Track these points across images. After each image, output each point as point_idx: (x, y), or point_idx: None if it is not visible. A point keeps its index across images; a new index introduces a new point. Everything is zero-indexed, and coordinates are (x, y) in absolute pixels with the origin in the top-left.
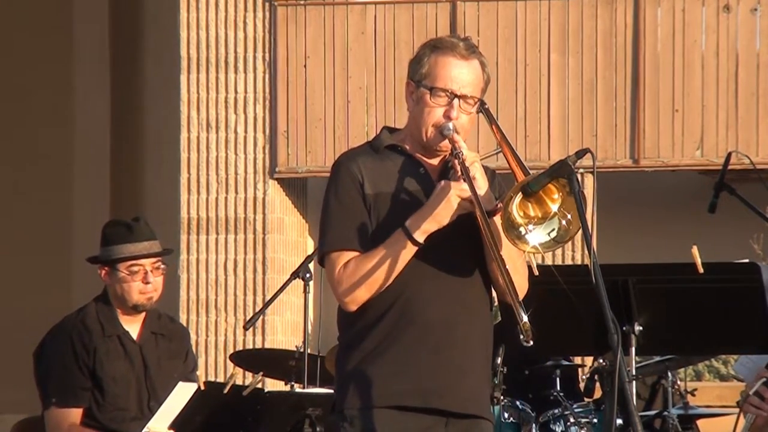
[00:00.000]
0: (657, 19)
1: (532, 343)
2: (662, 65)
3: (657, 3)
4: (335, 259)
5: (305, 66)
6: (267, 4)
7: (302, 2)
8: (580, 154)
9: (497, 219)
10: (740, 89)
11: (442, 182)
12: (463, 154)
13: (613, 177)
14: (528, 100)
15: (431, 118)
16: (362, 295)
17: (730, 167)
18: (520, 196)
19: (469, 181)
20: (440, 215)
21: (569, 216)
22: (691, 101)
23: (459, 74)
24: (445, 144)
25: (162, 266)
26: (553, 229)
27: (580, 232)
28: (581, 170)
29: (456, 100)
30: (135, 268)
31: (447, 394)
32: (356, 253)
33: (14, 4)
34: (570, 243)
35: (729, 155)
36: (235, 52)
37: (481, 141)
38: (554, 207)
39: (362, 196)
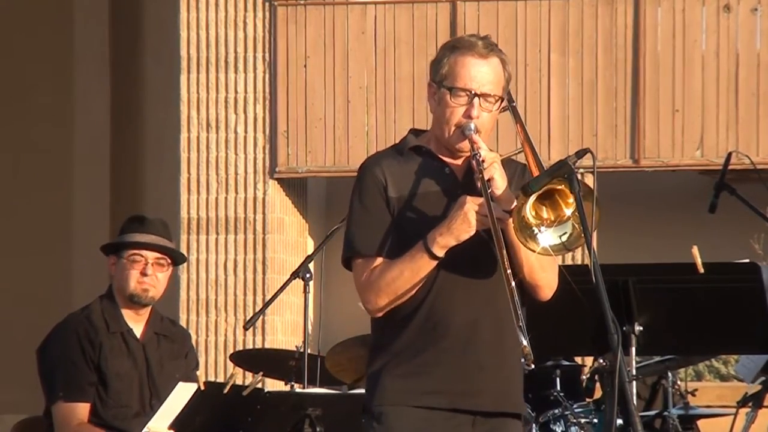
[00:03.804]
0: (657, 19)
1: (533, 366)
2: (662, 65)
3: (657, 3)
4: (360, 266)
5: (305, 66)
6: (267, 4)
7: (302, 2)
8: (580, 154)
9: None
10: (740, 89)
11: (462, 198)
12: (481, 155)
13: (613, 177)
14: (528, 100)
15: (452, 118)
16: (385, 303)
17: (730, 167)
18: (534, 197)
19: (484, 183)
20: (458, 230)
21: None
22: (691, 101)
23: (478, 73)
24: (467, 144)
25: (165, 263)
26: (565, 233)
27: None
28: (581, 170)
29: (476, 99)
30: (137, 258)
31: (473, 395)
32: (380, 260)
33: (14, 4)
34: None
35: (729, 155)
36: (235, 52)
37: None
38: (568, 211)
39: (386, 200)
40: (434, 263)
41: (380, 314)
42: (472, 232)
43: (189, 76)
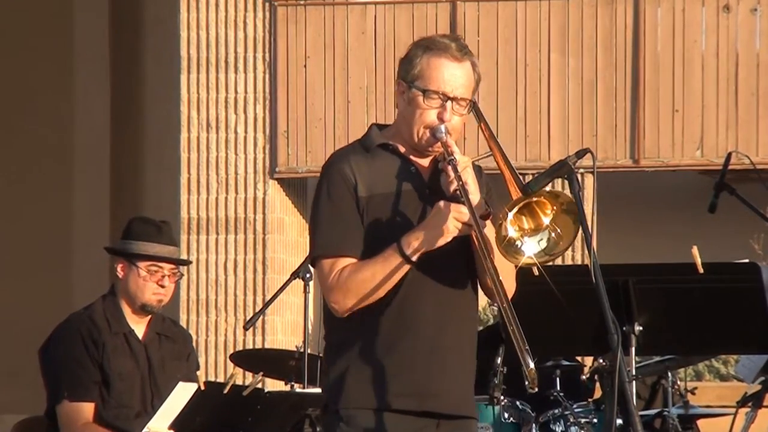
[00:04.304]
0: (657, 19)
1: (537, 389)
2: (662, 65)
3: (657, 3)
4: (328, 266)
5: (305, 66)
6: (267, 4)
7: (302, 2)
8: (580, 154)
9: (488, 229)
10: (740, 89)
11: (441, 203)
12: (455, 159)
13: (613, 177)
14: (528, 100)
15: (423, 119)
16: (353, 304)
17: (730, 167)
18: (513, 212)
19: (464, 189)
20: (435, 238)
21: (559, 230)
22: (691, 101)
23: (452, 76)
24: (437, 145)
25: (178, 273)
26: (542, 239)
27: (580, 234)
28: (581, 170)
29: (449, 103)
30: (154, 269)
31: (441, 396)
32: (350, 260)
33: (14, 5)
34: None
35: (729, 155)
36: (235, 52)
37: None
38: (546, 220)
39: (355, 198)
40: (407, 267)
41: (345, 314)
42: (449, 239)
43: (189, 76)
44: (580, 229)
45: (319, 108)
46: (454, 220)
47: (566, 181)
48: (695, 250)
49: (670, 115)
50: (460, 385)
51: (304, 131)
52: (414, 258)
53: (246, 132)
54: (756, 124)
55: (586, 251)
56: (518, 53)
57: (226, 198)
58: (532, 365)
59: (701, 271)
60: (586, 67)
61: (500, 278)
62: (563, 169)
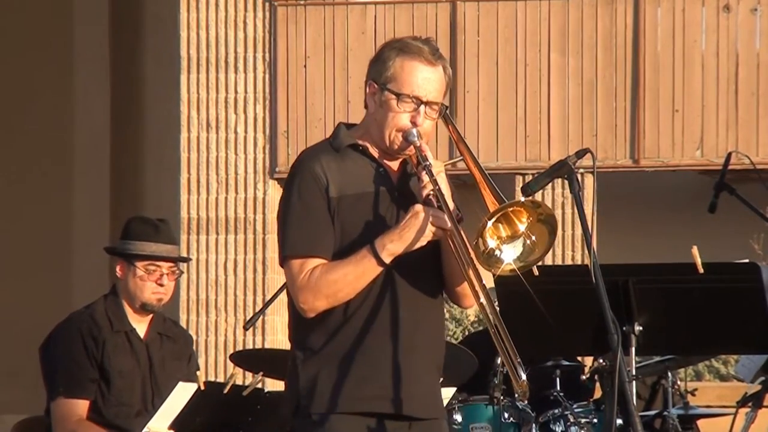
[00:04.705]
0: (657, 19)
1: (526, 402)
2: (662, 65)
3: (657, 3)
4: (298, 265)
5: (305, 66)
6: (267, 4)
7: (302, 2)
8: (580, 154)
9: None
10: (740, 89)
11: (418, 207)
12: (431, 164)
13: (613, 177)
14: (528, 100)
15: (395, 123)
16: (322, 305)
17: (730, 167)
18: (491, 222)
19: (441, 194)
20: (411, 241)
21: (534, 238)
22: (691, 101)
23: (425, 81)
24: (409, 149)
25: (177, 271)
26: (517, 246)
27: (580, 234)
28: (581, 170)
29: (422, 107)
30: (152, 268)
31: (414, 399)
32: (320, 260)
33: (14, 6)
34: (570, 243)
35: (729, 155)
36: (235, 52)
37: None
38: (522, 227)
39: (326, 199)
40: (380, 269)
41: (313, 315)
42: (425, 242)
43: (189, 76)
44: (582, 224)
45: (319, 108)
46: (429, 224)
47: (566, 181)
48: (695, 250)
49: (670, 115)
50: (431, 387)
51: (304, 131)
52: (388, 261)
53: (246, 132)
54: (756, 124)
55: (586, 251)
56: (518, 53)
57: (226, 198)
58: (524, 377)
59: (701, 271)
60: (586, 67)
61: (483, 282)
62: (563, 169)
